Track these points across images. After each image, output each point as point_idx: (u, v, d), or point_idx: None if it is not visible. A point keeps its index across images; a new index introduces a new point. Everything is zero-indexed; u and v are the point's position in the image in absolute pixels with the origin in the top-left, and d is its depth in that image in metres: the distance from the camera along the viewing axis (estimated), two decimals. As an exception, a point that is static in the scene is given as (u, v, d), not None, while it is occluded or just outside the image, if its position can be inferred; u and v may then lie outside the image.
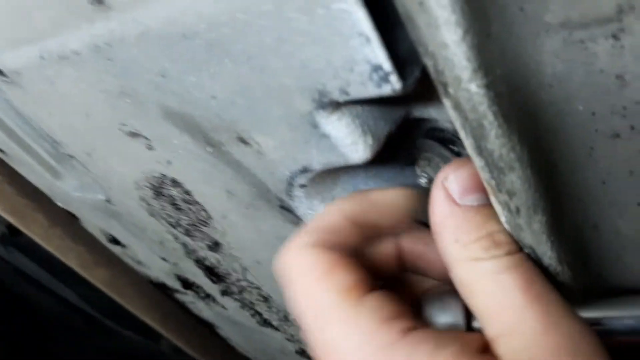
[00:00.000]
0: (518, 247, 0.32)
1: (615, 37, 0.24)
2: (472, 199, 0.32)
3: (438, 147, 0.37)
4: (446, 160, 0.36)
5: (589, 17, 0.23)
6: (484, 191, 0.32)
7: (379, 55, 0.23)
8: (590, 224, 0.34)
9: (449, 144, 0.37)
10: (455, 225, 0.32)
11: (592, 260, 0.37)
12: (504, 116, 0.26)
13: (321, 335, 0.30)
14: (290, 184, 0.37)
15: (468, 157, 0.34)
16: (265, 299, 0.66)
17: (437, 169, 0.37)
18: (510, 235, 0.32)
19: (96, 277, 1.02)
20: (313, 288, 0.30)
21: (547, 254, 0.32)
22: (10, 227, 1.03)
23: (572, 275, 0.34)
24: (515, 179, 0.28)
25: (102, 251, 0.97)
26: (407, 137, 0.38)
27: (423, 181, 0.37)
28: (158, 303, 1.09)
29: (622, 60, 0.25)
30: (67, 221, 0.91)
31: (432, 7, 0.21)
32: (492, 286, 0.29)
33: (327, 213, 0.34)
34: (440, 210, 0.32)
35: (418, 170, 0.38)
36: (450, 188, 0.33)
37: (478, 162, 0.28)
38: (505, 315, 0.28)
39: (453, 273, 0.32)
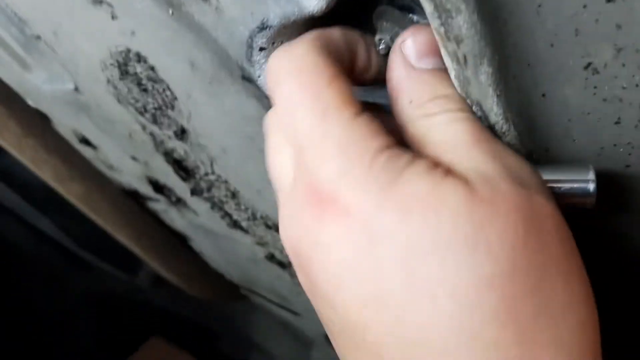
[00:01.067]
0: (469, 108, 0.33)
1: None
2: (427, 62, 0.34)
3: (397, 15, 0.37)
4: (405, 28, 0.37)
5: None
6: (439, 56, 0.33)
7: None
8: (539, 91, 0.35)
9: (407, 12, 0.37)
10: (410, 87, 0.33)
11: (539, 132, 0.38)
12: (450, -50, 0.26)
13: (320, 128, 0.29)
14: (249, 46, 0.37)
15: (426, 24, 0.35)
16: (234, 195, 0.67)
17: (395, 37, 0.37)
18: (462, 99, 0.33)
19: (71, 191, 1.01)
20: (321, 87, 0.30)
21: (494, 110, 0.33)
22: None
23: (519, 138, 0.35)
24: (462, 22, 0.28)
25: (76, 164, 0.97)
26: (369, 6, 0.38)
27: (381, 49, 0.38)
28: (132, 218, 1.10)
29: None
30: (40, 130, 0.91)
31: None
32: (442, 133, 0.32)
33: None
34: (397, 73, 0.34)
35: (377, 39, 0.38)
36: (406, 52, 0.34)
37: (427, 7, 0.29)
38: (454, 152, 0.30)
39: (407, 133, 0.33)
